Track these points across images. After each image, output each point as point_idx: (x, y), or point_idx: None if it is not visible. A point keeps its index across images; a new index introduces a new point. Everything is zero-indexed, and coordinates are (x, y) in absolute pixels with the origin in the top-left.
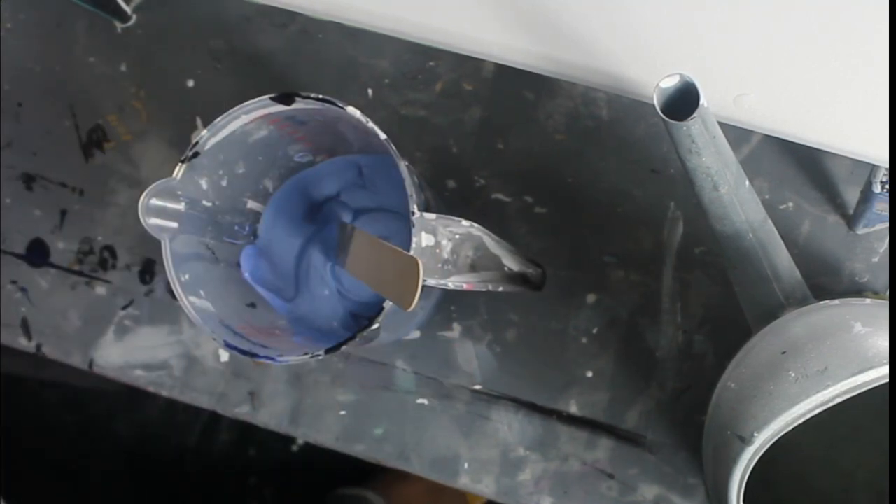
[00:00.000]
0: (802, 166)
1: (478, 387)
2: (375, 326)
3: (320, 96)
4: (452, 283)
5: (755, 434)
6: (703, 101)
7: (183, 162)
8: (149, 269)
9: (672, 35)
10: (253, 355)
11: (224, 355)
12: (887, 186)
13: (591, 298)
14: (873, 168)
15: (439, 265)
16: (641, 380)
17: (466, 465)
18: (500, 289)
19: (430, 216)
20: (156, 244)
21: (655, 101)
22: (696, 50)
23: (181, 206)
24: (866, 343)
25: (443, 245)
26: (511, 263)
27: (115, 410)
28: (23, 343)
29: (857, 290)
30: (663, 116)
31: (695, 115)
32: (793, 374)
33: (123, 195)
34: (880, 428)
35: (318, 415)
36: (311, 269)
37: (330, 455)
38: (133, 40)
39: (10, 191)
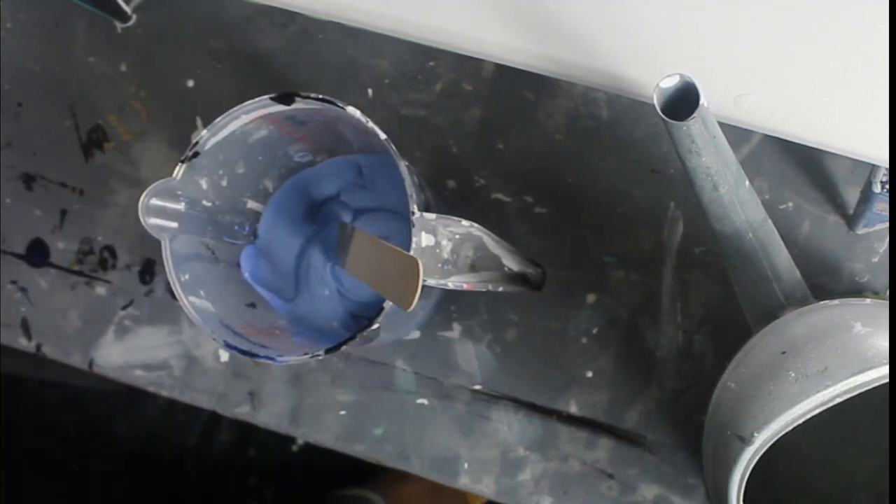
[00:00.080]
0: (802, 166)
1: (478, 387)
2: (375, 326)
3: (320, 96)
4: (452, 283)
5: (755, 434)
6: (703, 101)
7: (183, 162)
8: (149, 269)
9: (672, 35)
10: (253, 355)
11: (224, 355)
12: (887, 186)
13: (591, 298)
14: (873, 168)
15: (439, 265)
16: (641, 380)
17: (466, 465)
18: (500, 289)
19: (430, 216)
20: (156, 244)
21: (655, 101)
22: (696, 50)
23: (181, 206)
24: (866, 343)
25: (443, 245)
26: (511, 263)
27: (115, 410)
28: (23, 343)
29: (857, 290)
30: (663, 116)
31: (695, 115)
32: (793, 374)
33: (123, 195)
34: (880, 428)
35: (318, 415)
36: (311, 269)
37: (330, 455)
38: (133, 40)
39: (10, 191)
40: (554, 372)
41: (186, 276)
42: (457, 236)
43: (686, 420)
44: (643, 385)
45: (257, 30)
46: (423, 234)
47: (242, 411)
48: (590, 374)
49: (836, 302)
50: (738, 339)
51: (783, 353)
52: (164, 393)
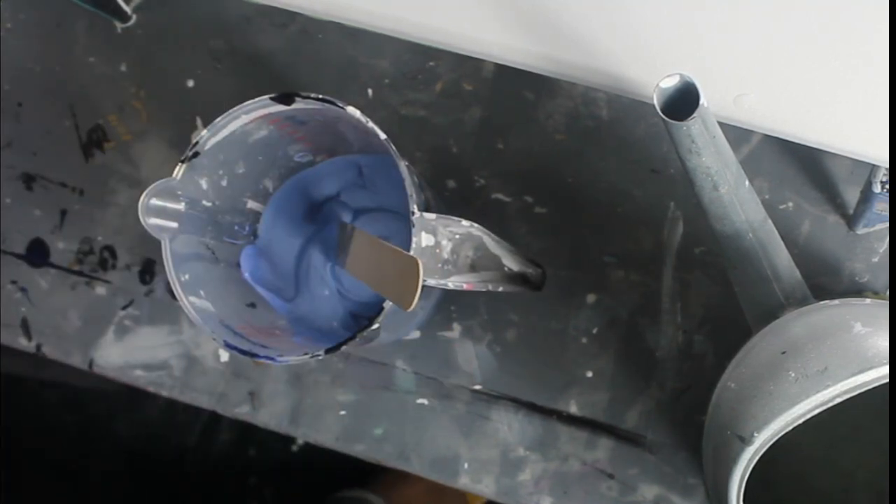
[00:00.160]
0: (802, 166)
1: (478, 387)
2: (375, 326)
3: (320, 96)
4: (452, 283)
5: (755, 434)
6: (703, 101)
7: (183, 162)
8: (149, 269)
9: (672, 35)
10: (253, 355)
11: (224, 355)
12: (887, 186)
13: (591, 298)
14: (873, 168)
15: (439, 265)
16: (641, 380)
17: (466, 465)
18: (500, 289)
19: (430, 216)
20: (156, 244)
21: (655, 101)
22: (696, 50)
23: (181, 206)
24: (866, 343)
25: (443, 245)
26: (511, 263)
27: (115, 410)
28: (23, 343)
29: (857, 290)
30: (663, 116)
31: (695, 115)
32: (793, 374)
33: (123, 195)
34: (880, 428)
35: (318, 415)
36: (311, 269)
37: (330, 455)
38: (133, 40)
39: (10, 191)
40: (554, 372)
41: (186, 276)
42: (457, 236)
43: (686, 420)
44: (643, 385)
45: (257, 30)
46: (423, 234)
47: (242, 411)
48: (590, 374)
49: (836, 302)
50: (738, 339)
51: (783, 353)
52: (164, 393)
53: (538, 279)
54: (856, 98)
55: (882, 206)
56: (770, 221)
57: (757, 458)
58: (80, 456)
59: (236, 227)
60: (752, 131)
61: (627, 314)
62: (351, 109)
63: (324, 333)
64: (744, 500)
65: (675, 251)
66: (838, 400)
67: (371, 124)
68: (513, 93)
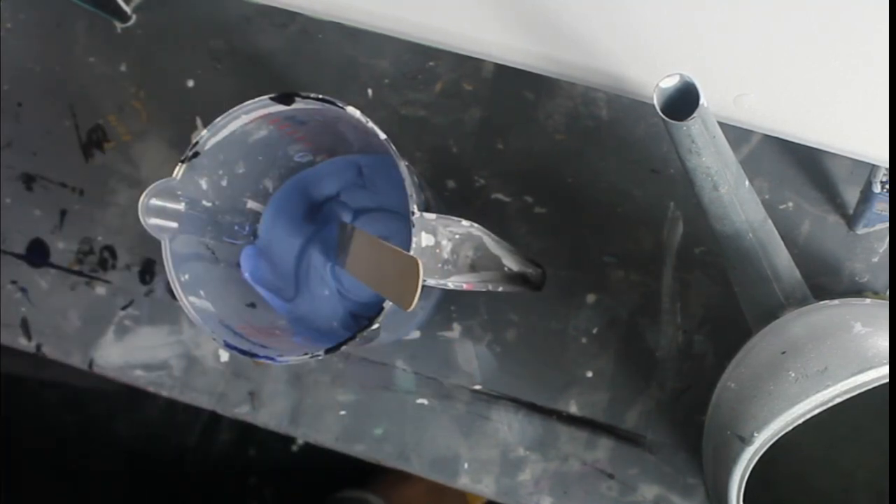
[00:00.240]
0: (802, 166)
1: (478, 387)
2: (375, 326)
3: (320, 96)
4: (452, 283)
5: (755, 434)
6: (703, 101)
7: (183, 162)
8: (149, 269)
9: (672, 35)
10: (253, 355)
11: (224, 355)
12: (887, 186)
13: (591, 298)
14: (873, 168)
15: (439, 265)
16: (641, 380)
17: (466, 465)
18: (500, 289)
19: (430, 216)
20: (156, 244)
21: (655, 101)
22: (696, 50)
23: (181, 206)
24: (866, 343)
25: (443, 245)
26: (511, 263)
27: (115, 410)
28: (23, 343)
29: (857, 290)
30: (663, 116)
31: (695, 115)
32: (793, 374)
33: (123, 195)
34: (880, 428)
35: (318, 415)
36: (311, 269)
37: (330, 455)
38: (133, 40)
39: (10, 191)
40: (554, 372)
41: (186, 276)
42: (457, 236)
43: (686, 420)
44: (643, 385)
45: (257, 30)
46: (423, 234)
47: (242, 411)
48: (590, 374)
49: (836, 302)
50: (738, 339)
51: (783, 353)
52: (164, 393)
53: (538, 279)
54: (856, 98)
55: (882, 206)
56: (770, 221)
57: (757, 458)
58: (80, 456)
59: (236, 227)
60: (752, 131)
61: (627, 314)
62: (351, 109)
63: (324, 333)
64: (744, 500)
65: (675, 251)
66: (838, 400)
67: (371, 124)
68: (513, 93)
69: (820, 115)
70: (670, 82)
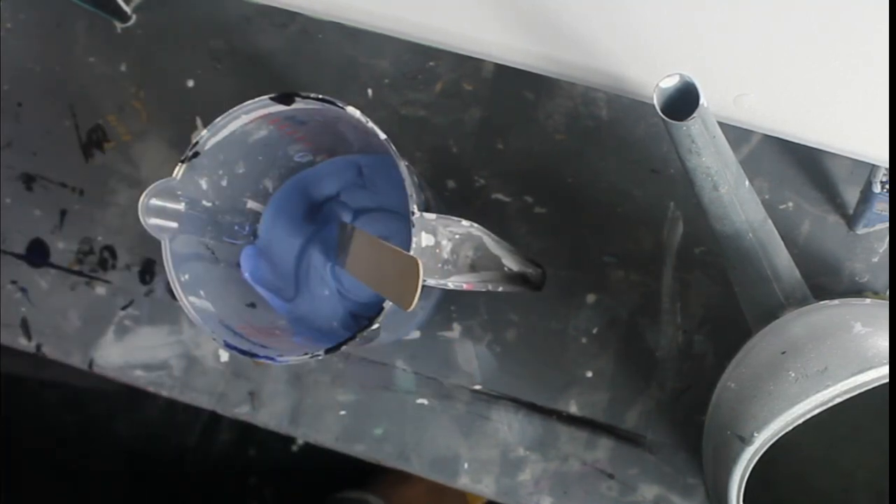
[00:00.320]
0: (802, 166)
1: (478, 387)
2: (375, 326)
3: (320, 96)
4: (452, 283)
5: (755, 434)
6: (703, 101)
7: (183, 162)
8: (149, 269)
9: (672, 35)
10: (253, 355)
11: (224, 355)
12: (887, 186)
13: (591, 298)
14: (873, 168)
15: (439, 265)
16: (641, 380)
17: (466, 465)
18: (500, 289)
19: (430, 216)
20: (156, 244)
21: (655, 101)
22: (696, 50)
23: (181, 206)
24: (866, 343)
25: (443, 245)
26: (511, 263)
27: (115, 410)
28: (23, 343)
29: (857, 290)
30: (663, 116)
31: (695, 115)
32: (793, 374)
33: (123, 195)
34: (880, 428)
35: (318, 415)
36: (311, 269)
37: (330, 455)
38: (133, 40)
39: (10, 191)
40: (554, 372)
41: (186, 276)
42: (457, 236)
43: (686, 420)
44: (643, 385)
45: (257, 30)
46: (423, 234)
47: (242, 411)
48: (590, 374)
49: (836, 302)
50: (738, 339)
51: (783, 353)
52: (164, 393)
53: (538, 279)
54: (856, 98)
55: (882, 206)
56: (770, 221)
57: (757, 458)
58: (80, 456)
59: (236, 227)
60: (752, 131)
61: (627, 314)
62: (351, 109)
63: (324, 333)
64: (744, 500)
65: (675, 251)
66: (838, 400)
67: (371, 124)
68: (513, 93)
69: (820, 115)
70: (670, 82)
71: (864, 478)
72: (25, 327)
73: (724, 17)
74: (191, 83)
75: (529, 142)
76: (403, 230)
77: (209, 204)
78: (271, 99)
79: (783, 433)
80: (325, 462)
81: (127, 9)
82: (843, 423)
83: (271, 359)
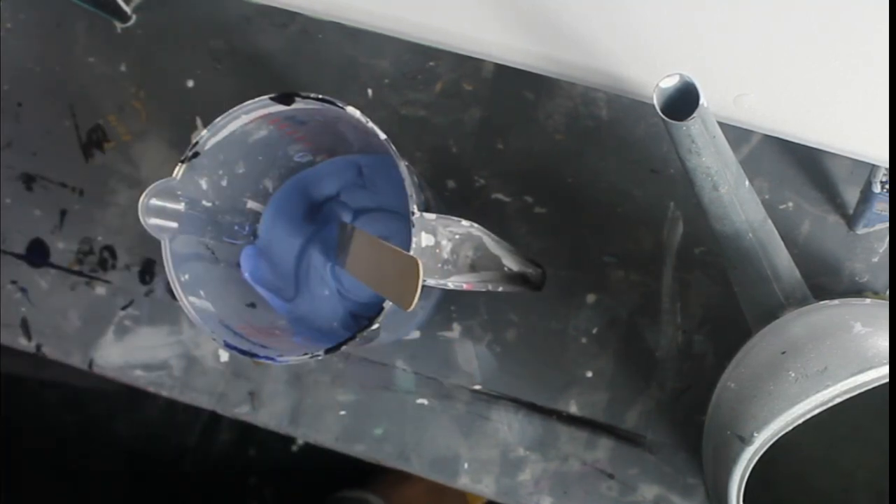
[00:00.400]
0: (802, 166)
1: (478, 387)
2: (375, 326)
3: (320, 96)
4: (452, 283)
5: (755, 434)
6: (703, 101)
7: (183, 162)
8: (149, 269)
9: (672, 35)
10: (253, 355)
11: (224, 355)
12: (887, 186)
13: (591, 298)
14: (873, 168)
15: (439, 265)
16: (641, 380)
17: (466, 465)
18: (500, 289)
19: (430, 216)
20: (156, 244)
21: (655, 101)
22: (696, 50)
23: (181, 206)
24: (866, 343)
25: (443, 245)
26: (511, 263)
27: (115, 410)
28: (23, 343)
29: (857, 290)
30: (663, 116)
31: (695, 115)
32: (793, 374)
33: (123, 195)
34: (880, 428)
35: (318, 415)
36: (311, 269)
37: (330, 455)
38: (133, 40)
39: (10, 191)
40: (554, 372)
41: (186, 276)
42: (457, 236)
43: (686, 420)
44: (643, 385)
45: (257, 30)
46: (423, 234)
47: (242, 411)
48: (590, 374)
49: (836, 302)
50: (738, 339)
51: (783, 353)
52: (164, 393)
53: (538, 279)
54: (856, 98)
55: (882, 206)
56: (770, 221)
57: (757, 458)
58: (80, 456)
59: (236, 227)
60: (752, 131)
61: (627, 314)
62: (351, 109)
63: (324, 333)
64: (744, 500)
65: (675, 251)
66: (838, 400)
67: (371, 124)
68: (513, 93)
69: (820, 115)
70: (670, 82)
71: (864, 478)
72: (25, 327)
73: (724, 17)
74: (191, 83)
75: (529, 142)
76: (403, 230)
77: (209, 204)
78: (271, 99)
79: (783, 433)
80: (325, 462)
81: (127, 9)
82: (843, 423)
83: (271, 359)
